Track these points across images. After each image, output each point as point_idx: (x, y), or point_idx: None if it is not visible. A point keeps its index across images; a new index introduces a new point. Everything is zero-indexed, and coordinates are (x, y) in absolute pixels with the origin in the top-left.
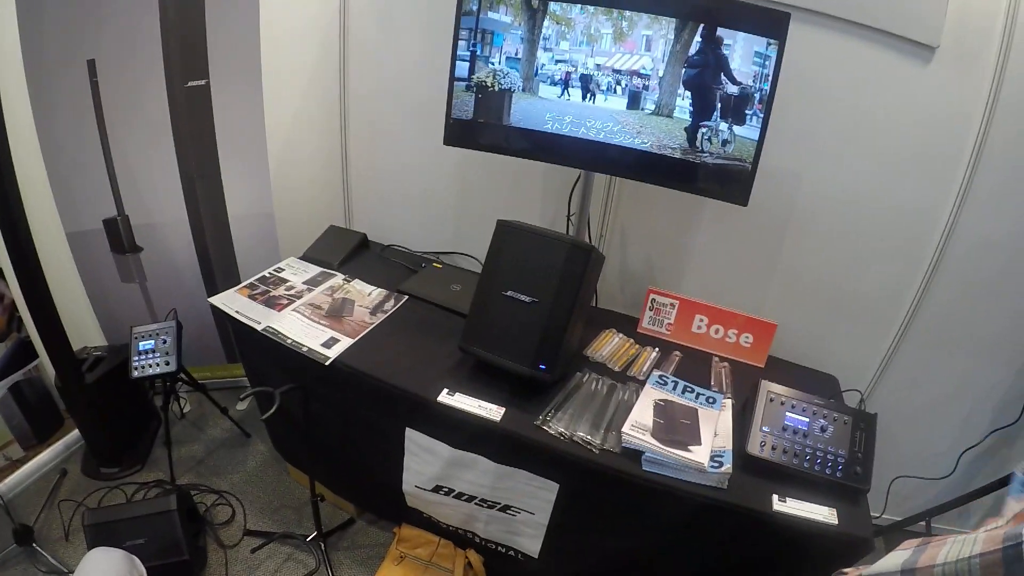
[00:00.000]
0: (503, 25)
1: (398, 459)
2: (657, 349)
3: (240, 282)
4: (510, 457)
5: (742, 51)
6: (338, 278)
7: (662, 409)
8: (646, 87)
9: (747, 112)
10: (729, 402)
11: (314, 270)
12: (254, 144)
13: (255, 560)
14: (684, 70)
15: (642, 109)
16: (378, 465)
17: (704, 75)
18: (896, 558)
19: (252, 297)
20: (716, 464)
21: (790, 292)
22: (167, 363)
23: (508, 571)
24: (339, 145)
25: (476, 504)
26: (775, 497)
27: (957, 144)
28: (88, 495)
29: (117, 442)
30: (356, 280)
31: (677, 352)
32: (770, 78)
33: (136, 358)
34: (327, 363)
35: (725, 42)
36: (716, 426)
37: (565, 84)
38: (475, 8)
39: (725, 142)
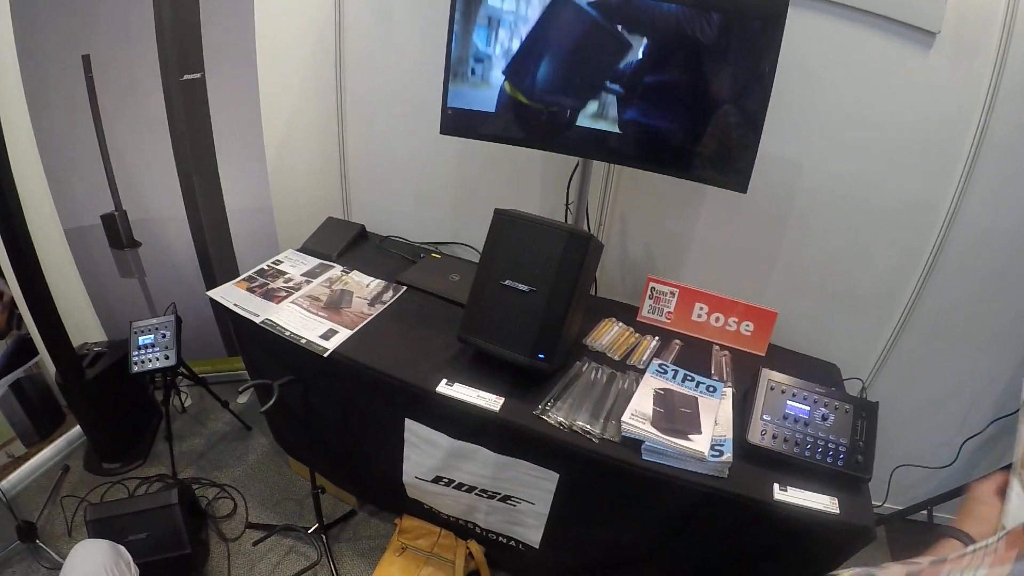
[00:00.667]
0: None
1: (398, 450)
2: (657, 338)
3: (239, 275)
4: (510, 447)
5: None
6: (336, 270)
7: (662, 398)
8: None
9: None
10: (730, 391)
11: (312, 262)
12: (251, 137)
13: (257, 553)
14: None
15: None
16: (378, 456)
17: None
18: None
19: (250, 290)
20: (716, 453)
21: (791, 280)
22: (167, 357)
23: (509, 562)
24: (336, 136)
25: (476, 494)
26: (776, 486)
27: (958, 133)
28: (90, 491)
29: (119, 437)
30: (354, 271)
31: (677, 341)
32: (769, 64)
33: (136, 353)
34: (325, 355)
35: (723, 25)
36: (716, 415)
37: None
38: None
39: (725, 128)
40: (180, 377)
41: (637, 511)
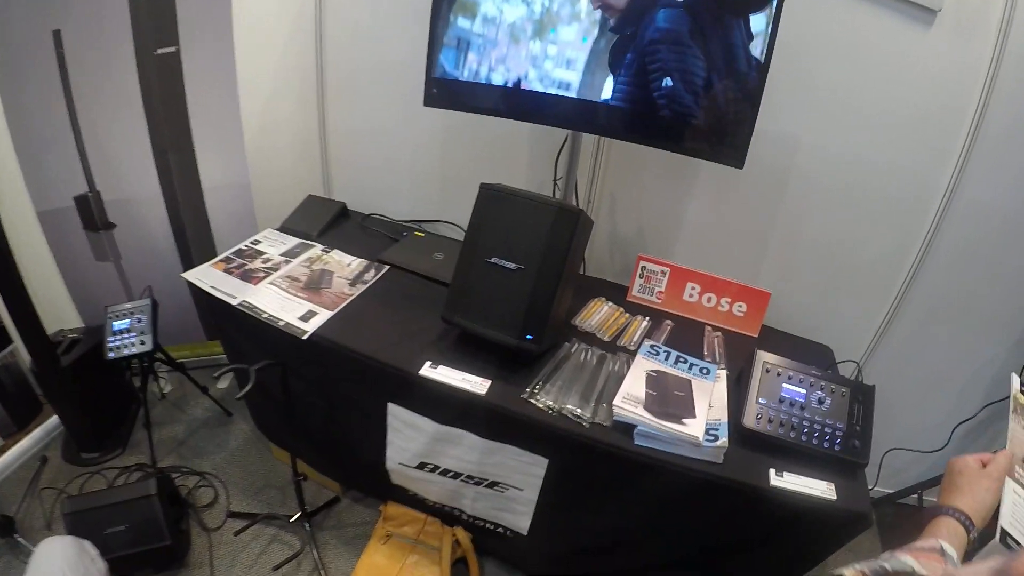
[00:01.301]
0: None
1: (380, 435)
2: (648, 318)
3: (217, 256)
4: (497, 432)
5: None
6: (316, 249)
7: (655, 380)
8: None
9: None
10: (723, 373)
11: (292, 241)
12: (228, 112)
13: (240, 543)
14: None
15: None
16: (361, 442)
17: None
18: None
19: (228, 271)
20: (711, 438)
21: (785, 260)
22: (143, 343)
23: (497, 548)
24: (316, 112)
25: (462, 481)
26: (772, 472)
27: (957, 113)
28: (69, 482)
29: (97, 426)
30: (335, 251)
31: (668, 321)
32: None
33: (111, 339)
34: (304, 337)
35: None
36: (711, 398)
37: None
38: None
39: (722, 100)
40: (158, 363)
41: (629, 497)
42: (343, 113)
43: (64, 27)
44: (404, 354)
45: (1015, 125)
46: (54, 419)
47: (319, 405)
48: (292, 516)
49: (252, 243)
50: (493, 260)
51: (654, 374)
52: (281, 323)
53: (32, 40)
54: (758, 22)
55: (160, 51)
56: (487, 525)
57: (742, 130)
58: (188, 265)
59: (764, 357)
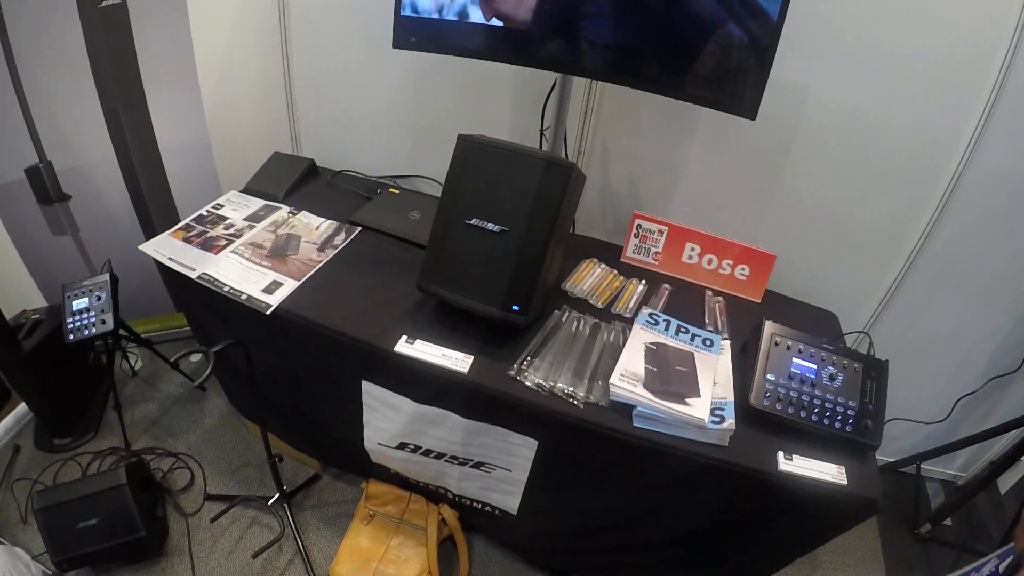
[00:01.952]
0: None
1: (357, 415)
2: (644, 281)
3: (180, 222)
4: (482, 413)
5: None
6: (283, 211)
7: (654, 354)
8: None
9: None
10: (727, 344)
11: (257, 204)
12: (183, 67)
13: (218, 527)
14: None
15: None
16: (336, 422)
17: None
18: None
19: (187, 240)
20: (717, 419)
21: (790, 220)
22: (103, 322)
23: (486, 527)
24: (280, 61)
25: (447, 461)
26: (781, 455)
27: (980, 68)
28: (42, 471)
29: (67, 411)
30: (303, 212)
31: (666, 285)
32: None
33: (70, 320)
34: (268, 312)
35: None
36: (715, 373)
37: None
38: None
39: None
40: (124, 340)
41: (626, 479)
42: (309, 62)
43: None
44: (377, 328)
45: None
46: (24, 406)
47: (290, 384)
48: (270, 498)
49: (214, 207)
50: (473, 222)
51: (653, 347)
52: (243, 296)
53: None
54: None
55: (105, 3)
56: (474, 504)
57: (756, 75)
58: (150, 233)
59: (772, 328)
